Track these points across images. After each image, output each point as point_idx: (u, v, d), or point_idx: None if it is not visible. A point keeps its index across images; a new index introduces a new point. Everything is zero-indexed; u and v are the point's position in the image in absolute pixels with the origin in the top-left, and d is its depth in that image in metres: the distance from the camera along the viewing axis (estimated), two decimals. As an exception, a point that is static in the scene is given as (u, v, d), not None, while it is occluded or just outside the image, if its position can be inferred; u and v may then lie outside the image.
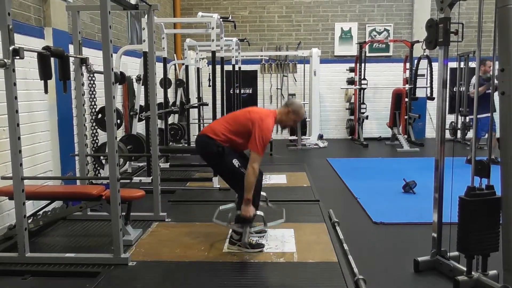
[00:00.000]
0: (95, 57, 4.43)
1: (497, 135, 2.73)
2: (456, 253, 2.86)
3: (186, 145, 7.92)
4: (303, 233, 3.67)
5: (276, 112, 3.42)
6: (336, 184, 5.68)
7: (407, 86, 9.10)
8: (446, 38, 2.82)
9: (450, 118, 8.98)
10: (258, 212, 3.32)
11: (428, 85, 8.74)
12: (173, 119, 8.80)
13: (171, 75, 9.15)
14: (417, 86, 8.84)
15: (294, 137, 9.03)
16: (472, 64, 8.60)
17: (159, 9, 4.36)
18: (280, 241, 3.50)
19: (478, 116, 2.86)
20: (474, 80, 6.60)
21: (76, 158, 4.39)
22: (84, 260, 3.08)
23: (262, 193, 3.54)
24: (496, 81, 2.51)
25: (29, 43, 3.84)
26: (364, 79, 9.12)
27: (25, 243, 3.06)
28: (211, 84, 6.14)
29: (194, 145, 3.52)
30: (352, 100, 9.73)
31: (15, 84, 2.87)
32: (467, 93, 7.40)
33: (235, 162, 3.27)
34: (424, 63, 8.57)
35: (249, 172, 3.14)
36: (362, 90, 9.18)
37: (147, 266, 3.06)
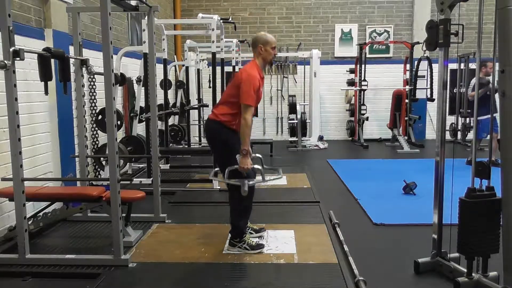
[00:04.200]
0: (95, 59, 4.43)
1: (498, 136, 2.72)
2: (457, 254, 2.86)
3: (186, 146, 7.92)
4: (303, 234, 3.67)
5: (254, 60, 3.38)
6: (336, 185, 5.67)
7: (407, 88, 9.10)
8: (446, 40, 2.82)
9: (450, 119, 8.98)
10: (256, 166, 3.28)
11: (428, 86, 8.74)
12: (173, 120, 8.80)
13: (171, 77, 9.16)
14: (417, 87, 8.84)
15: (294, 138, 9.03)
16: (473, 66, 8.60)
17: (159, 11, 4.37)
18: (280, 242, 3.50)
19: (479, 118, 2.86)
20: (473, 82, 6.59)
21: (76, 159, 4.39)
22: (84, 262, 3.08)
23: (258, 155, 3.50)
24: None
25: (30, 45, 3.84)
26: (364, 80, 9.11)
27: (25, 244, 3.06)
28: (211, 85, 6.14)
29: (204, 130, 3.46)
30: (352, 101, 9.73)
31: (15, 85, 2.87)
32: (467, 96, 7.39)
33: (238, 157, 3.24)
34: (424, 64, 8.57)
35: (242, 123, 3.14)
36: (362, 91, 9.18)
37: (147, 268, 3.05)
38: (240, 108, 3.21)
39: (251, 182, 3.22)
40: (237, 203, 3.35)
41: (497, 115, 2.56)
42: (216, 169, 3.55)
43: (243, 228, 3.37)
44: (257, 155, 3.34)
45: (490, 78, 6.43)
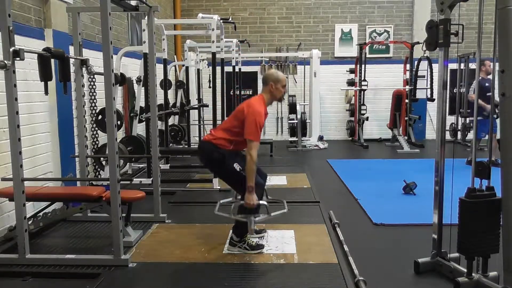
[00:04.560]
0: (95, 59, 4.43)
1: (498, 136, 2.72)
2: (457, 254, 2.86)
3: (186, 146, 7.92)
4: (303, 234, 3.67)
5: (262, 95, 3.41)
6: (336, 185, 5.67)
7: (407, 88, 9.10)
8: (446, 40, 2.82)
9: (450, 119, 8.98)
10: (261, 202, 3.30)
11: (428, 86, 8.74)
12: (173, 120, 8.80)
13: (171, 77, 9.16)
14: (417, 87, 8.84)
15: (294, 138, 9.03)
16: (473, 66, 8.60)
17: (159, 11, 4.37)
18: (280, 242, 3.50)
19: (479, 118, 2.86)
20: (475, 83, 6.55)
21: (76, 159, 4.39)
22: (84, 262, 3.08)
23: (264, 201, 3.51)
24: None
25: (30, 45, 3.84)
26: (364, 80, 9.11)
27: (25, 244, 3.06)
28: (211, 85, 6.14)
29: (197, 151, 3.52)
30: (352, 101, 9.73)
31: (15, 85, 2.87)
32: (468, 98, 7.37)
33: (236, 166, 3.27)
34: (424, 64, 8.56)
35: (248, 160, 3.14)
36: (362, 91, 9.18)
37: (147, 268, 3.05)
38: (238, 138, 3.25)
39: (257, 219, 3.24)
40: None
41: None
42: (219, 203, 3.59)
43: (246, 227, 3.35)
44: (262, 202, 3.36)
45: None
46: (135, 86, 6.35)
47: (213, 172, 3.59)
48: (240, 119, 3.25)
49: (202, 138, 3.48)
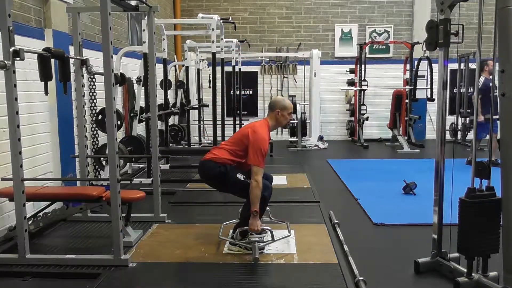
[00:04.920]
0: (95, 59, 4.43)
1: (498, 136, 2.72)
2: (457, 254, 2.86)
3: (186, 146, 7.92)
4: (303, 235, 3.67)
5: (267, 120, 3.44)
6: (336, 185, 5.67)
7: (407, 88, 9.10)
8: (446, 40, 2.82)
9: (450, 119, 8.98)
10: (265, 227, 3.34)
11: (428, 86, 8.74)
12: (173, 120, 8.80)
13: (171, 77, 9.16)
14: (417, 87, 8.85)
15: (294, 138, 9.03)
16: (473, 66, 8.60)
17: (159, 11, 4.37)
18: (280, 242, 3.49)
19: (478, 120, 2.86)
20: (482, 80, 6.49)
21: (77, 159, 4.39)
22: (84, 262, 3.07)
23: (268, 227, 3.48)
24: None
25: (30, 45, 3.84)
26: (364, 80, 9.11)
27: (25, 244, 3.06)
28: (211, 85, 6.15)
29: (198, 170, 3.51)
30: (352, 102, 9.73)
31: (15, 85, 2.87)
32: (471, 98, 7.31)
33: (240, 176, 3.29)
34: (424, 64, 8.57)
35: (252, 185, 3.16)
36: (362, 91, 9.18)
37: (147, 268, 3.05)
38: (241, 159, 3.28)
39: (261, 245, 3.24)
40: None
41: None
42: (222, 226, 3.61)
43: None
44: (267, 227, 3.38)
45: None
46: (135, 86, 6.35)
47: (216, 188, 3.55)
48: (245, 144, 3.27)
49: (202, 158, 3.45)
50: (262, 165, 3.21)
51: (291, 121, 3.52)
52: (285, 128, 3.62)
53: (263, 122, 3.42)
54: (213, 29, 5.37)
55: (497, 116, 2.91)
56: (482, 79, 6.51)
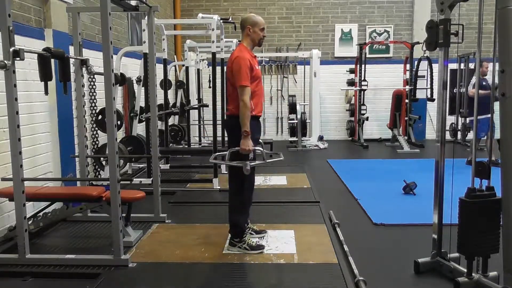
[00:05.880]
0: (95, 59, 4.43)
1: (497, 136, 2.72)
2: (457, 254, 2.86)
3: (186, 146, 7.92)
4: (303, 234, 3.67)
5: (241, 42, 3.37)
6: (336, 185, 5.67)
7: (407, 87, 9.10)
8: (446, 40, 2.82)
9: (450, 119, 8.98)
10: (257, 148, 3.27)
11: (428, 86, 8.74)
12: (173, 120, 8.81)
13: (171, 77, 9.16)
14: (417, 87, 8.85)
15: (294, 138, 9.03)
16: (472, 66, 8.60)
17: (159, 11, 4.37)
18: (280, 242, 3.50)
19: (478, 117, 2.86)
20: (474, 80, 6.57)
21: (77, 159, 4.39)
22: (84, 262, 3.08)
23: (259, 148, 3.43)
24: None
25: (30, 45, 3.84)
26: (364, 80, 9.12)
27: (25, 244, 3.06)
28: (211, 85, 6.14)
29: (225, 125, 3.43)
30: (352, 102, 9.73)
31: (15, 85, 2.88)
32: (468, 93, 7.35)
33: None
34: (424, 64, 8.57)
35: (241, 106, 3.14)
36: (362, 91, 9.18)
37: (147, 268, 3.05)
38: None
39: (252, 163, 3.20)
40: (235, 198, 3.35)
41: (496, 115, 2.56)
42: (216, 153, 3.53)
43: (242, 226, 3.36)
44: (258, 148, 3.32)
45: (488, 78, 6.44)
46: (135, 86, 6.35)
47: (233, 141, 3.45)
48: (233, 74, 3.22)
49: (226, 114, 3.41)
50: (248, 83, 3.15)
51: (264, 37, 3.41)
52: (259, 46, 3.51)
53: (238, 46, 3.35)
54: (213, 29, 5.37)
55: (489, 116, 2.93)
56: (474, 79, 6.55)
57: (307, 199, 4.86)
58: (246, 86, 3.15)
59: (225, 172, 5.24)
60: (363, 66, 9.12)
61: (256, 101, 3.30)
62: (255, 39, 3.34)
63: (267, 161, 3.33)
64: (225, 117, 3.42)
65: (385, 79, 9.88)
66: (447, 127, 7.95)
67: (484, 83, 6.39)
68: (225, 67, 6.22)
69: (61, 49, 3.53)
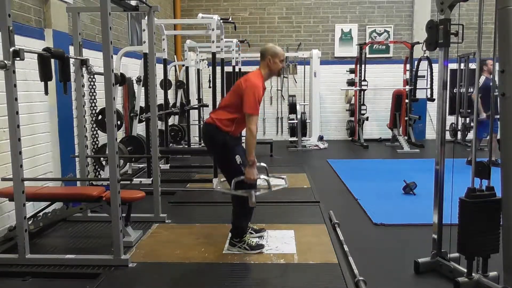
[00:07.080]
0: (95, 59, 4.43)
1: (498, 136, 2.72)
2: (457, 254, 2.86)
3: (186, 146, 7.92)
4: (303, 234, 3.67)
5: (259, 69, 3.36)
6: (336, 185, 5.67)
7: (407, 87, 9.10)
8: (446, 40, 2.82)
9: (450, 119, 8.99)
10: (262, 176, 3.28)
11: (428, 86, 8.74)
12: (173, 120, 8.80)
13: (171, 77, 9.16)
14: (417, 87, 8.85)
15: (294, 138, 9.03)
16: (473, 66, 8.60)
17: (159, 11, 4.37)
18: (280, 242, 3.50)
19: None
20: (482, 79, 6.52)
21: (77, 159, 4.39)
22: (84, 262, 3.08)
23: (263, 164, 3.46)
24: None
25: (30, 45, 3.84)
26: (364, 80, 9.12)
27: (25, 244, 3.06)
28: (211, 85, 6.14)
29: (202, 134, 3.46)
30: (352, 102, 9.73)
31: (15, 85, 2.87)
32: (471, 97, 7.33)
33: (238, 158, 3.25)
34: (424, 64, 8.57)
35: (247, 134, 3.14)
36: (362, 91, 9.18)
37: (147, 268, 3.05)
38: (238, 114, 3.21)
39: (258, 193, 3.22)
40: (241, 206, 3.33)
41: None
42: (222, 179, 3.55)
43: (244, 228, 3.37)
44: (262, 164, 3.33)
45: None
46: (135, 86, 6.35)
47: (214, 155, 3.49)
48: (239, 95, 3.21)
49: (205, 120, 3.41)
50: (257, 113, 3.16)
51: (283, 68, 3.42)
52: (278, 76, 3.50)
53: (256, 71, 3.34)
54: (213, 29, 5.37)
55: (498, 116, 2.92)
56: (482, 78, 6.53)
57: (307, 199, 4.86)
58: (255, 116, 3.16)
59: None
60: (363, 66, 9.12)
61: (242, 119, 3.25)
62: (274, 69, 3.35)
63: (272, 189, 3.35)
64: (205, 124, 3.41)
65: (385, 79, 9.88)
66: (447, 127, 7.95)
67: (491, 83, 6.35)
68: (225, 67, 6.27)
69: (61, 49, 3.52)
